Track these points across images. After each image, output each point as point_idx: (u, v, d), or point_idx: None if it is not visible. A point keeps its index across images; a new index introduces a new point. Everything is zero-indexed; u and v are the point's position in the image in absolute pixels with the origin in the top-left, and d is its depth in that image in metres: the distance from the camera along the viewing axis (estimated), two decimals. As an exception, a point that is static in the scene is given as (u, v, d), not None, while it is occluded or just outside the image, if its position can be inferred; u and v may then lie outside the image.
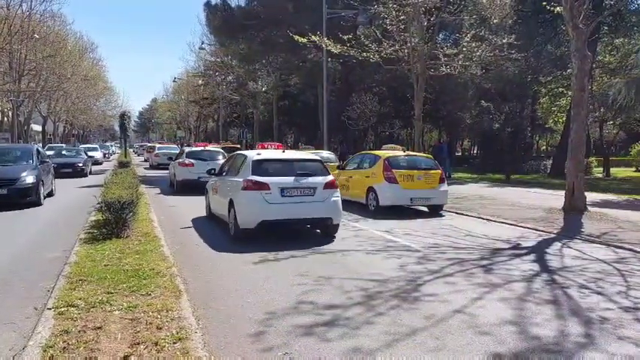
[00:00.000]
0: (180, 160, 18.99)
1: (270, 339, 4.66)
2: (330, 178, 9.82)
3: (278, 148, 13.25)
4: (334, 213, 9.62)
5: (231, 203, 9.67)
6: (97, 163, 35.90)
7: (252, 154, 10.08)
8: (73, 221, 11.00)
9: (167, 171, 22.37)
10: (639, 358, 4.35)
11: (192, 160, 18.25)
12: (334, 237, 9.71)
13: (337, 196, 9.76)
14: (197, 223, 11.28)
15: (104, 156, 44.97)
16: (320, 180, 9.58)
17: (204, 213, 12.28)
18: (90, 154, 34.07)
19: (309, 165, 10.02)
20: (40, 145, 42.12)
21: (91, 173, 26.67)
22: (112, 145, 68.88)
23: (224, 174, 11.11)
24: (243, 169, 9.83)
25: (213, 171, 12.21)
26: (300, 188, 9.36)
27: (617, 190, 19.41)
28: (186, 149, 21.47)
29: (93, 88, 53.72)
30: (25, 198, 13.22)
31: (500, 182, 23.52)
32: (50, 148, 35.73)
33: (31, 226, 10.71)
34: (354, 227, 10.97)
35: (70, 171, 24.01)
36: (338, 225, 9.91)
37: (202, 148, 22.19)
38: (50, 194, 15.61)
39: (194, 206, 13.43)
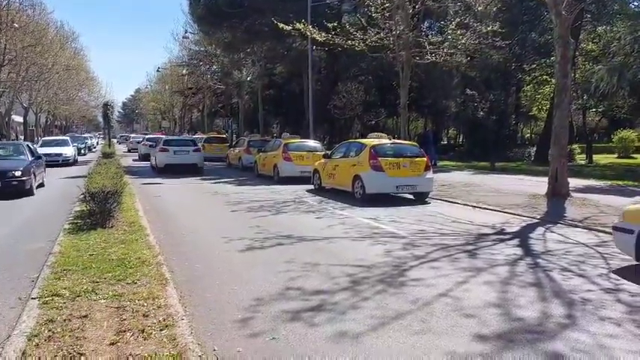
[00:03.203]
0: (143, 142, 34.65)
1: (257, 325, 4.68)
2: (197, 147, 23.18)
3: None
4: (199, 161, 22.45)
5: (155, 158, 23.13)
6: (66, 163, 26.14)
7: (164, 138, 25.08)
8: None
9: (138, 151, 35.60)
10: (620, 338, 4.44)
11: (149, 142, 31.48)
12: (202, 173, 21.48)
13: (201, 154, 22.98)
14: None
15: (79, 152, 32.81)
16: (192, 147, 22.81)
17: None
18: (52, 151, 25.51)
19: (187, 142, 23.98)
20: (22, 137, 40.05)
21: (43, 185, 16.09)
22: (92, 137, 60.16)
23: (155, 146, 24.60)
24: (160, 143, 23.27)
25: (153, 145, 26.97)
26: (182, 150, 22.33)
27: (599, 176, 19.66)
28: (147, 136, 38.91)
29: (75, 78, 52.63)
30: None
31: (485, 170, 23.70)
32: None
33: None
34: (341, 215, 11.01)
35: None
36: (202, 167, 22.51)
37: (158, 136, 36.07)
38: None
39: (176, 192, 14.84)
